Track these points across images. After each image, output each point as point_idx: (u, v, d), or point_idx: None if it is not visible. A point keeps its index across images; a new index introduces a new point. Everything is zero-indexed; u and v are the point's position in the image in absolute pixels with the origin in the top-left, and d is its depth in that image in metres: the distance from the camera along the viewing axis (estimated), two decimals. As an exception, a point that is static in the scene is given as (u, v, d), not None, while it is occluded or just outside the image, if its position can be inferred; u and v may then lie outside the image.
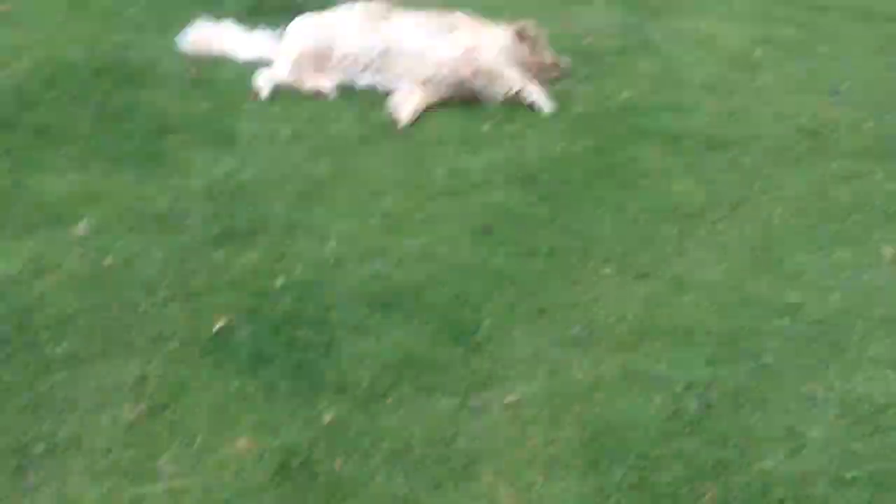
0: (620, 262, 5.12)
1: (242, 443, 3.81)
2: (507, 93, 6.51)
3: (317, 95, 6.42)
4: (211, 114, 6.22)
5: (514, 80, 6.53)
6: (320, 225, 5.22)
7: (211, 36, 6.92)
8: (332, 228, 5.19)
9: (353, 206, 5.42)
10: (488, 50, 6.58)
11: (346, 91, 6.69)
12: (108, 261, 4.77)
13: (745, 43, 7.86)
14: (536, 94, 6.50)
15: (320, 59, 6.62)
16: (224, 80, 6.62)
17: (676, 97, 6.86)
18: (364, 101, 6.55)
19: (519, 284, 4.89)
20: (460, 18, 6.75)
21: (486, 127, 6.33)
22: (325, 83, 6.50)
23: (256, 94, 6.42)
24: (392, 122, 6.29)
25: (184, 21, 7.40)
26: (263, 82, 6.55)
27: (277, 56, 6.76)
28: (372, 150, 5.99)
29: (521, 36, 6.66)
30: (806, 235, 5.39)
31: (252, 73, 6.72)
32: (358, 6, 6.96)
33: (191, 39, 6.90)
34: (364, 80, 6.69)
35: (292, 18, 7.18)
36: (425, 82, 6.46)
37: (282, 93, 6.54)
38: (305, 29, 6.83)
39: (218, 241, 5.00)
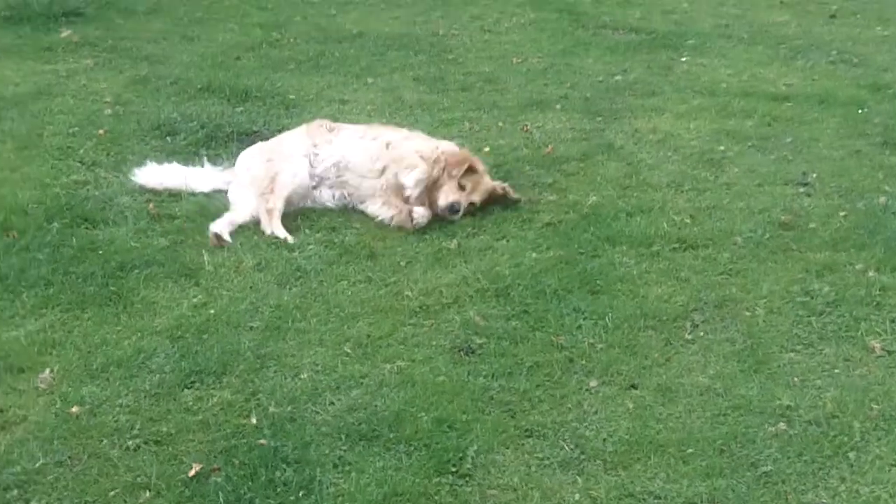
0: (605, 373, 5.06)
1: None
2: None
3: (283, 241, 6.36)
4: (172, 248, 6.16)
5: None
6: (292, 356, 5.13)
7: (162, 174, 6.86)
8: (304, 359, 5.10)
9: (325, 333, 5.34)
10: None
11: (309, 214, 6.65)
12: (75, 409, 4.65)
13: (707, 139, 7.94)
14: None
15: (272, 184, 6.65)
16: (183, 213, 6.57)
17: (644, 199, 6.89)
18: (327, 224, 6.51)
19: (503, 405, 4.81)
20: (392, 131, 7.02)
21: (454, 242, 6.31)
22: (280, 232, 6.40)
23: (219, 241, 6.24)
24: (359, 245, 6.25)
25: (139, 155, 7.39)
26: (221, 228, 6.36)
27: (232, 191, 6.74)
28: (340, 273, 5.94)
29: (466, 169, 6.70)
30: (791, 333, 5.36)
31: (211, 202, 6.68)
32: (302, 128, 7.11)
33: (142, 179, 6.83)
34: (323, 198, 6.73)
35: (247, 146, 7.22)
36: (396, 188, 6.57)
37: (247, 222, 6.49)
38: (254, 158, 6.85)
39: (187, 382, 4.90)
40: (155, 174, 6.91)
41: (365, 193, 6.72)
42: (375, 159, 6.75)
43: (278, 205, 6.51)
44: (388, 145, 6.83)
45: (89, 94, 8.60)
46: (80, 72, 9.18)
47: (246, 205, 6.56)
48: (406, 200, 6.56)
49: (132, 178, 6.89)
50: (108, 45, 9.99)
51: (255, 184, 6.65)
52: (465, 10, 11.69)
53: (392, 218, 6.50)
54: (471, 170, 6.68)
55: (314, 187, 6.78)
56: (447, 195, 6.57)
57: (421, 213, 6.47)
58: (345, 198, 6.77)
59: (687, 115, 8.44)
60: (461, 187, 6.61)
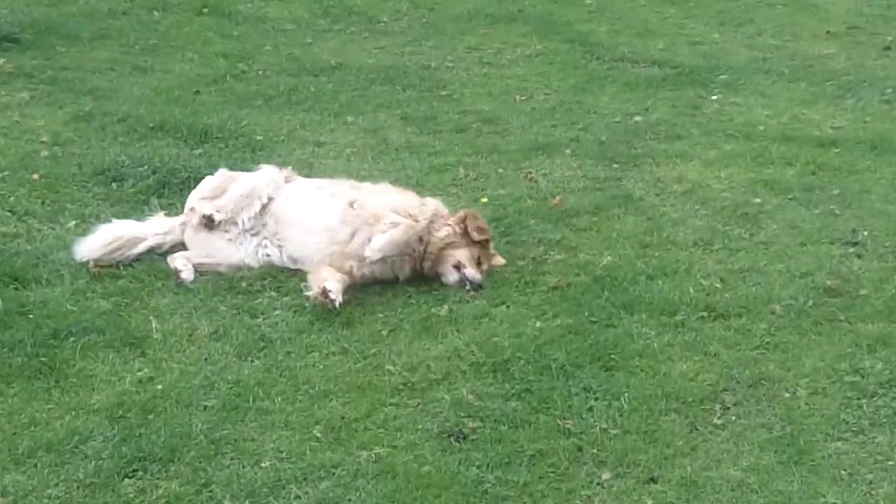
0: (620, 464, 5.05)
1: None
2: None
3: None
4: (115, 313, 6.17)
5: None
6: (252, 441, 5.11)
7: (107, 240, 6.82)
8: (266, 444, 5.09)
9: (292, 414, 5.33)
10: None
11: (277, 275, 6.67)
12: (-6, 503, 4.62)
13: (741, 190, 7.99)
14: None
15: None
16: (129, 272, 6.58)
17: (667, 260, 6.92)
18: (296, 286, 6.51)
19: (500, 500, 4.79)
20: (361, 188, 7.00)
21: (444, 308, 6.32)
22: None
23: (178, 276, 6.49)
24: (325, 308, 6.26)
25: (79, 204, 7.42)
26: (181, 264, 6.56)
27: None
28: (311, 344, 5.94)
29: (464, 225, 6.72)
30: (838, 418, 5.36)
31: (160, 259, 6.69)
32: (271, 167, 7.19)
33: (86, 251, 6.77)
34: (241, 252, 6.78)
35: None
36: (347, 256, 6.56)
37: (201, 283, 6.50)
38: (201, 199, 6.97)
39: (128, 470, 4.87)
40: (100, 240, 6.79)
41: (305, 253, 6.69)
42: (340, 221, 6.67)
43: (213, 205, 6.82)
44: (352, 204, 6.73)
45: (23, 133, 8.65)
46: (12, 106, 9.23)
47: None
48: (356, 266, 6.52)
49: (75, 253, 6.74)
50: (47, 76, 10.06)
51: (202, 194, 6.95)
52: (462, 40, 11.81)
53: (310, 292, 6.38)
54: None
55: (240, 232, 6.83)
56: (467, 267, 6.56)
57: (336, 290, 6.28)
58: (270, 255, 6.78)
59: (718, 162, 8.49)
60: (479, 263, 6.63)
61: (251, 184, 6.97)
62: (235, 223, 6.83)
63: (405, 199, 6.89)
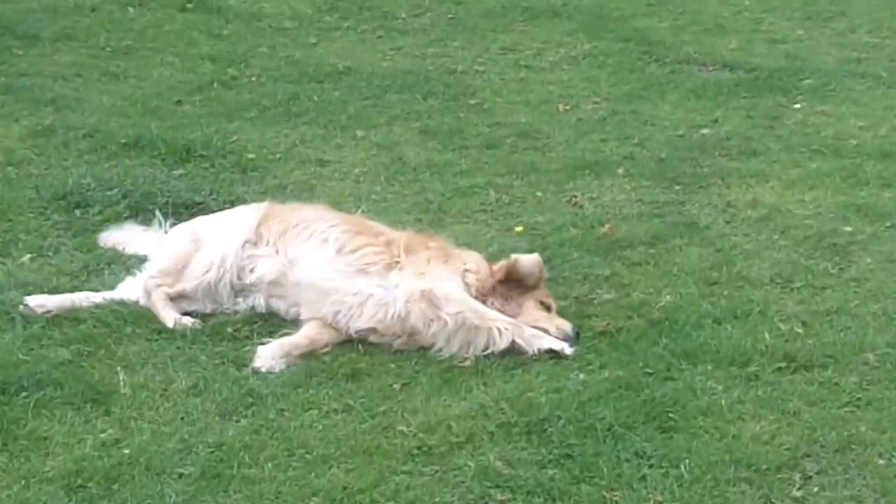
0: (678, 544, 5.03)
1: None
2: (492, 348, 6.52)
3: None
4: (76, 363, 6.22)
5: (503, 328, 6.50)
6: (236, 517, 5.13)
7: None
8: (253, 521, 5.10)
9: (284, 484, 5.33)
10: (455, 293, 6.55)
11: (269, 319, 6.70)
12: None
13: (829, 217, 7.99)
14: (548, 340, 6.51)
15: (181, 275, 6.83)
16: (92, 315, 6.62)
17: (738, 300, 6.92)
18: (291, 331, 6.55)
19: (532, 588, 4.78)
20: (396, 241, 6.79)
21: (468, 359, 6.32)
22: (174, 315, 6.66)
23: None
24: (335, 361, 6.29)
25: (35, 235, 7.49)
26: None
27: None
28: (308, 400, 5.97)
29: (510, 276, 6.67)
30: (945, 488, 5.33)
31: (129, 301, 6.75)
32: (250, 213, 7.09)
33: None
34: (246, 304, 6.83)
35: (186, 220, 7.40)
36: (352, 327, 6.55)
37: (175, 329, 6.54)
38: (179, 241, 7.04)
39: (87, 550, 4.90)
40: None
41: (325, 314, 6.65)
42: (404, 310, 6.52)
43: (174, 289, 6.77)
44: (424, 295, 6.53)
45: (-30, 151, 8.75)
46: (-42, 119, 9.35)
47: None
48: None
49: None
50: (1, 83, 10.18)
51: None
52: (495, 39, 11.88)
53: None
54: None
55: (236, 295, 6.86)
56: (550, 323, 6.55)
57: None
58: (281, 310, 6.83)
59: (801, 183, 8.49)
60: (545, 307, 6.65)
61: (217, 255, 6.86)
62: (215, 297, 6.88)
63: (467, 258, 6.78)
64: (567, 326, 6.53)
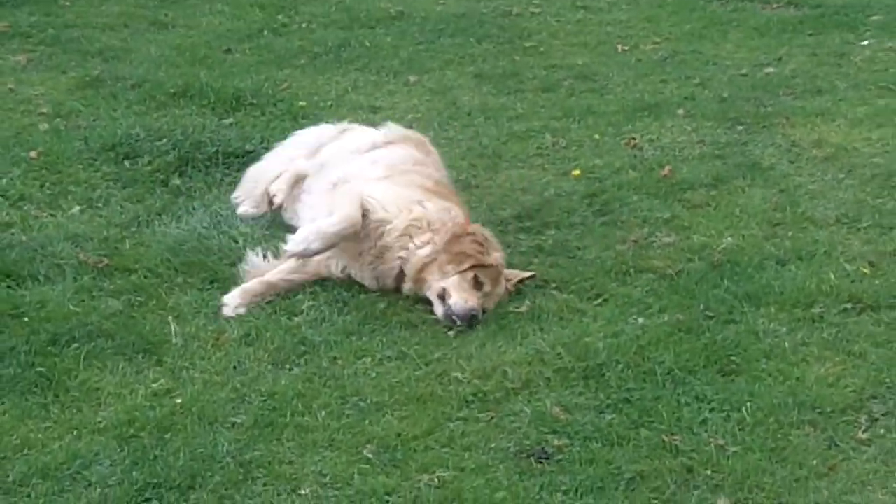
0: (740, 488, 5.04)
1: None
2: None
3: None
4: (126, 314, 6.28)
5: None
6: (289, 464, 5.18)
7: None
8: (305, 467, 5.15)
9: (337, 431, 5.38)
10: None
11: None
12: (-19, 539, 4.76)
13: (898, 155, 7.96)
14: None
15: None
16: (143, 266, 6.69)
17: (803, 241, 6.91)
18: (341, 283, 6.60)
19: (590, 533, 4.83)
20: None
21: (524, 305, 6.37)
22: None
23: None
24: (389, 309, 6.34)
25: (85, 186, 7.56)
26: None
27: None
28: (361, 348, 6.01)
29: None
30: None
31: (179, 251, 6.80)
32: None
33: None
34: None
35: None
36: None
37: (226, 275, 6.60)
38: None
39: (140, 499, 4.95)
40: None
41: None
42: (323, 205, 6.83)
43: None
44: (335, 185, 6.88)
45: (18, 103, 8.85)
46: (6, 72, 9.45)
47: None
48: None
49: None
50: (48, 35, 10.28)
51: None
52: (551, -21, 11.85)
53: None
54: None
55: None
56: (459, 293, 6.34)
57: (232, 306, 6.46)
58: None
59: (868, 122, 8.45)
60: (478, 283, 6.40)
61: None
62: None
63: (404, 193, 6.74)
64: (459, 307, 6.25)
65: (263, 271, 6.63)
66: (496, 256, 6.51)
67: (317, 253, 6.48)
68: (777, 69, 9.45)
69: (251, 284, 6.50)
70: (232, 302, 6.38)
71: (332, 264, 6.62)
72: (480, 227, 6.68)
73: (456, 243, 6.48)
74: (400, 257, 6.54)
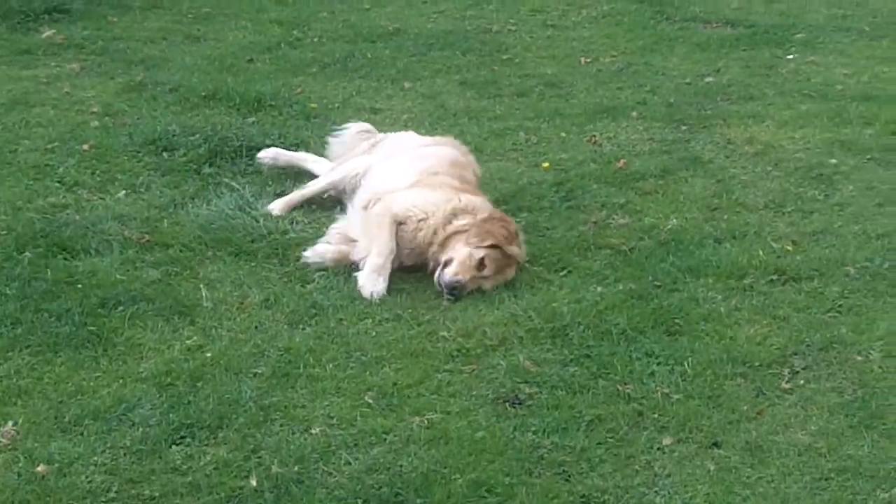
0: (682, 429, 5.07)
1: None
2: None
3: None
4: (164, 281, 6.28)
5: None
6: (302, 407, 5.20)
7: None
8: (316, 411, 5.17)
9: (343, 381, 5.40)
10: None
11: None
12: (41, 468, 4.74)
13: (817, 151, 7.95)
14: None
15: None
16: (179, 242, 6.68)
17: (736, 223, 6.92)
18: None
19: (556, 466, 4.83)
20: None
21: (503, 274, 6.36)
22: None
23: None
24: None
25: (130, 174, 7.55)
26: None
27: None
28: (363, 311, 6.01)
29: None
30: (912, 380, 5.34)
31: (212, 227, 6.79)
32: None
33: None
34: None
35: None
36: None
37: (249, 250, 6.59)
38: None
39: (175, 437, 4.98)
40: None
41: None
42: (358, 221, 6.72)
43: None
44: (368, 205, 6.66)
45: (73, 104, 8.81)
46: (63, 78, 9.41)
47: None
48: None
49: None
50: (98, 46, 10.23)
51: None
52: (525, 2, 11.83)
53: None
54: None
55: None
56: (458, 266, 6.18)
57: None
58: None
59: (792, 123, 8.46)
60: (482, 265, 6.23)
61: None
62: None
63: (435, 194, 6.55)
64: (448, 277, 6.15)
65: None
66: (515, 250, 6.34)
67: (386, 288, 6.24)
68: (716, 79, 9.45)
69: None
70: (372, 285, 6.20)
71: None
72: (515, 222, 6.55)
73: (489, 223, 6.33)
74: (437, 234, 6.36)
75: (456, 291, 6.15)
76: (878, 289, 6.15)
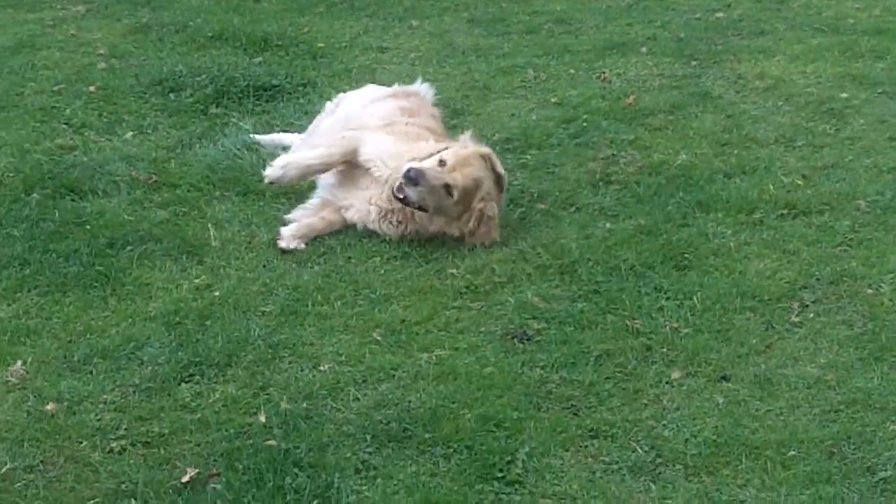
0: (691, 363, 5.07)
1: None
2: None
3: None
4: (172, 222, 6.28)
5: None
6: (311, 345, 5.21)
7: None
8: (325, 348, 5.18)
9: (351, 318, 5.41)
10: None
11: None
12: (50, 407, 4.77)
13: (828, 85, 7.88)
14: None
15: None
16: (187, 182, 6.67)
17: (746, 158, 6.87)
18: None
19: (564, 400, 4.85)
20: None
21: (510, 210, 6.34)
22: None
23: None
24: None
25: (136, 115, 7.53)
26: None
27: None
28: (371, 249, 6.01)
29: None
30: (923, 313, 5.33)
31: (219, 167, 6.77)
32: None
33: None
34: None
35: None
36: None
37: (258, 189, 6.57)
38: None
39: (184, 375, 5.00)
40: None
41: None
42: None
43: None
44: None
45: (79, 46, 8.78)
46: (68, 20, 9.36)
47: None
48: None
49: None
50: (104, -12, 10.17)
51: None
52: (534, -61, 11.69)
53: None
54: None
55: None
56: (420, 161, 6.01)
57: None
58: None
59: (803, 57, 8.38)
60: (441, 162, 6.03)
61: None
62: None
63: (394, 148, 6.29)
64: (407, 166, 5.94)
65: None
66: (475, 150, 6.12)
67: (291, 181, 6.26)
68: (726, 14, 9.35)
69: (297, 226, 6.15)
70: (287, 233, 6.07)
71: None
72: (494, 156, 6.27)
73: (464, 151, 6.13)
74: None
75: (410, 173, 5.90)
76: (889, 222, 6.12)
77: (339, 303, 5.53)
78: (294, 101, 7.75)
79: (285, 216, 6.26)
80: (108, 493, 4.30)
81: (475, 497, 4.29)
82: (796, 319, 5.36)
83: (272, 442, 4.55)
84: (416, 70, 8.29)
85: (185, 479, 4.35)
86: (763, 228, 6.11)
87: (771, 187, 6.49)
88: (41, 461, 4.48)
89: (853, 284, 5.60)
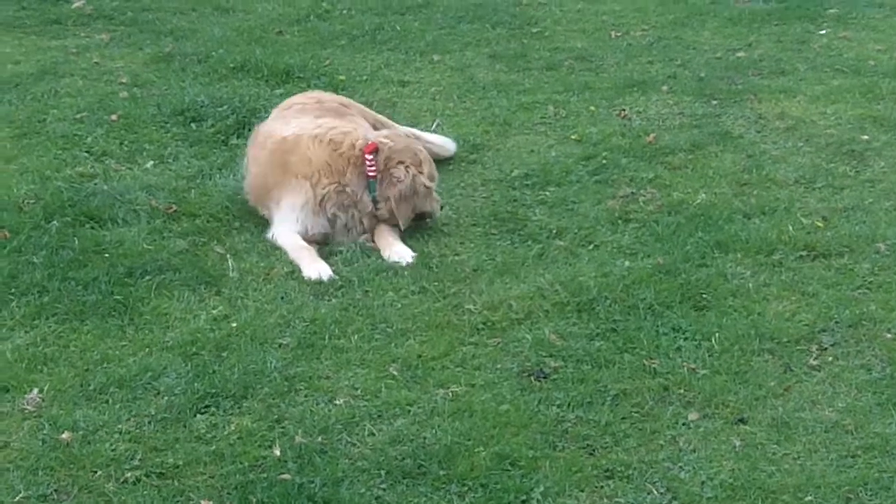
0: (708, 404, 5.05)
1: None
2: None
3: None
4: (191, 251, 6.29)
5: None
6: (327, 378, 5.20)
7: None
8: (341, 382, 5.17)
9: (368, 352, 5.40)
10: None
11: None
12: (66, 435, 4.77)
13: (848, 126, 7.87)
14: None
15: None
16: (206, 212, 6.69)
17: (766, 198, 6.86)
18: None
19: (580, 440, 4.82)
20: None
21: (529, 246, 6.34)
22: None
23: None
24: (413, 250, 6.31)
25: (157, 145, 7.56)
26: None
27: None
28: (388, 284, 6.00)
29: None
30: (943, 359, 5.29)
31: (236, 199, 6.79)
32: None
33: None
34: None
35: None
36: None
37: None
38: None
39: (200, 406, 5.00)
40: None
41: None
42: None
43: None
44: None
45: (102, 74, 8.82)
46: (92, 48, 9.41)
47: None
48: None
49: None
50: (127, 17, 10.22)
51: None
52: (556, -25, 11.73)
53: None
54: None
55: None
56: None
57: None
58: None
59: (824, 98, 8.37)
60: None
61: None
62: None
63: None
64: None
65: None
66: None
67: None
68: (747, 53, 9.36)
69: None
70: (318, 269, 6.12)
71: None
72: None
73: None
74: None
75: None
76: (910, 266, 6.10)
77: (355, 336, 5.53)
78: (314, 134, 7.75)
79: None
80: (122, 524, 4.28)
81: (489, 536, 4.27)
82: (815, 362, 5.33)
83: (286, 476, 4.54)
84: (436, 104, 8.32)
85: (199, 511, 4.34)
86: (782, 270, 6.09)
87: (790, 228, 6.47)
88: (55, 490, 4.48)
89: (872, 328, 5.57)
